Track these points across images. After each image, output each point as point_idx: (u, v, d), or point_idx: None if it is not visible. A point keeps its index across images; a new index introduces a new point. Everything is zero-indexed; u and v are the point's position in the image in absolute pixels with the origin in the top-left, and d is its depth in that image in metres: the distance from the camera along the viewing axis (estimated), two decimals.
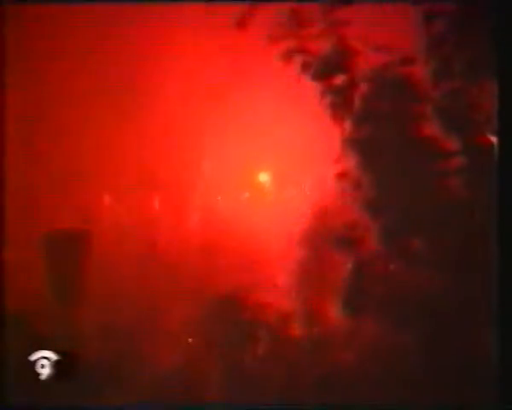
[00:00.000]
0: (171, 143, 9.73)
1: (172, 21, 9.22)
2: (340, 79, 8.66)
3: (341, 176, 8.72)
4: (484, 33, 8.25)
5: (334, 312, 9.00)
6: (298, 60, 8.65)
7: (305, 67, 8.64)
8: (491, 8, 8.18)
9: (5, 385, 8.59)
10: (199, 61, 9.50)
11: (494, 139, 8.21)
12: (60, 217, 9.45)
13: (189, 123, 9.73)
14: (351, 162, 8.66)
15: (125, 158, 9.66)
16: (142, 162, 9.75)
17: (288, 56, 8.65)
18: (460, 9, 8.48)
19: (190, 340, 9.38)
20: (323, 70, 8.62)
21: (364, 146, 8.60)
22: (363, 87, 8.67)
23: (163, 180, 9.84)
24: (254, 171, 9.85)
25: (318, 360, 9.06)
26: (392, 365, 8.56)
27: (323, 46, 8.65)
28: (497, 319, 7.91)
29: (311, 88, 8.71)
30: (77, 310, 9.37)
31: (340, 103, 8.65)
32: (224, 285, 9.25)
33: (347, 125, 8.67)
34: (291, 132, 9.34)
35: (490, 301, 7.99)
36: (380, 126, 8.60)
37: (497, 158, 8.05)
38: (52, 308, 9.35)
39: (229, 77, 9.47)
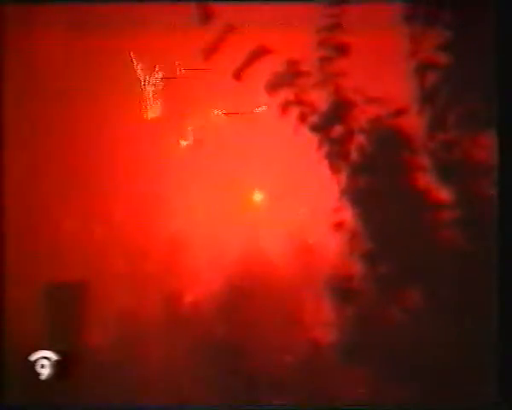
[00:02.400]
0: (172, 196, 9.71)
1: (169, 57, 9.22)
2: (337, 130, 8.70)
3: (339, 226, 8.72)
4: (480, 83, 8.33)
5: (332, 363, 8.93)
6: (295, 111, 8.69)
7: (303, 118, 8.69)
8: (488, 58, 8.27)
9: (5, 385, 8.50)
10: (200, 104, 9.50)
11: (493, 190, 8.24)
12: (60, 266, 9.38)
13: (180, 169, 9.71)
14: (348, 212, 8.68)
15: (128, 206, 9.61)
16: (146, 208, 9.71)
17: (285, 107, 8.69)
18: (454, 60, 8.58)
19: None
20: (320, 121, 8.67)
21: (361, 196, 8.63)
22: (360, 138, 8.71)
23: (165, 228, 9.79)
24: (250, 219, 9.82)
25: None
26: None
27: (320, 97, 8.71)
28: (498, 373, 7.89)
29: (308, 137, 8.75)
30: (76, 360, 9.28)
31: (337, 154, 8.68)
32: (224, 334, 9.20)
33: (344, 175, 8.70)
34: (288, 182, 9.35)
35: (490, 353, 7.97)
36: (376, 177, 8.63)
37: (497, 209, 8.08)
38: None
39: (224, 127, 9.49)
